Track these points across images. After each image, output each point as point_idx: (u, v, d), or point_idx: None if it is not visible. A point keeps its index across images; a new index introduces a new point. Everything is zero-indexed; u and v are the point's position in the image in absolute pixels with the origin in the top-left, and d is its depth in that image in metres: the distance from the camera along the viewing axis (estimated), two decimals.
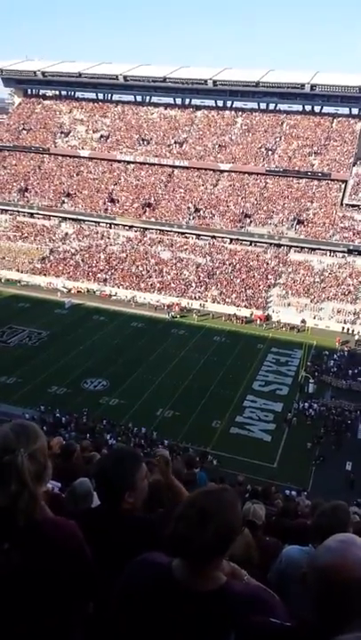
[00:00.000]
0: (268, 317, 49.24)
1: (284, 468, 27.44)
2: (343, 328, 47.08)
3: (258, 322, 48.37)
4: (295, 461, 28.34)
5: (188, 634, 1.74)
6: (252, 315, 49.25)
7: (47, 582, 1.86)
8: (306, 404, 34.61)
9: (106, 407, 33.17)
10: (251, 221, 58.68)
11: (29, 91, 79.94)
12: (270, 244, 56.75)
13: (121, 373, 37.10)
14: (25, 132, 74.05)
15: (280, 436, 31.25)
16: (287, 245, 56.19)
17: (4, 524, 1.86)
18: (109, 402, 33.83)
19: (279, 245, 56.46)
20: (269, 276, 53.67)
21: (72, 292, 53.41)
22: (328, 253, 54.82)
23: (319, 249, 55.09)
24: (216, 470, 22.75)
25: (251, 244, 57.42)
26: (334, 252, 54.65)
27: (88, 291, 53.88)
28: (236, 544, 3.38)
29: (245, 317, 48.92)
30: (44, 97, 79.40)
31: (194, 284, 53.54)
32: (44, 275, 56.26)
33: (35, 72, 75.99)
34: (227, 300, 51.46)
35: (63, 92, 78.27)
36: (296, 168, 62.05)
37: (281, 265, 54.96)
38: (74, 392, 34.60)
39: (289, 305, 50.34)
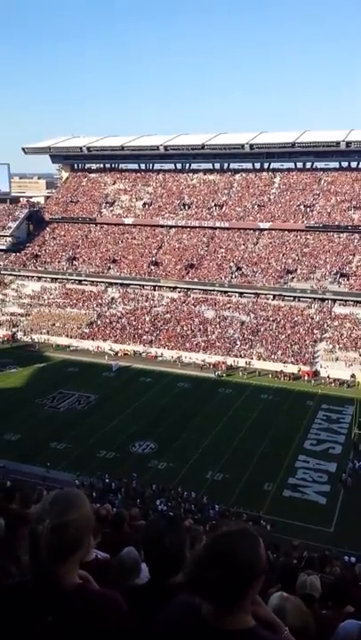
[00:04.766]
0: (316, 373, 48.26)
1: (341, 533, 26.05)
2: None
3: (306, 378, 47.47)
4: (353, 525, 26.83)
5: None
6: (299, 371, 48.43)
7: None
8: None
9: (155, 471, 32.77)
10: (293, 277, 58.81)
11: (76, 165, 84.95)
12: (314, 298, 56.49)
13: (169, 435, 36.84)
14: (72, 204, 77.99)
15: (336, 497, 29.90)
16: (331, 299, 55.77)
17: (38, 595, 1.88)
18: (158, 465, 33.44)
19: (323, 300, 56.10)
20: (315, 331, 53.04)
21: (119, 354, 54.20)
22: None
23: None
24: (270, 536, 21.84)
25: (294, 300, 57.29)
26: None
27: (134, 353, 54.54)
28: (292, 613, 3.30)
29: (293, 374, 48.12)
30: (90, 170, 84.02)
31: (239, 342, 53.42)
32: (92, 339, 57.50)
33: (81, 148, 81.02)
34: (273, 356, 50.93)
35: (107, 165, 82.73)
36: (336, 223, 62.42)
37: (326, 319, 54.36)
38: (122, 456, 34.43)
39: (337, 359, 49.32)
